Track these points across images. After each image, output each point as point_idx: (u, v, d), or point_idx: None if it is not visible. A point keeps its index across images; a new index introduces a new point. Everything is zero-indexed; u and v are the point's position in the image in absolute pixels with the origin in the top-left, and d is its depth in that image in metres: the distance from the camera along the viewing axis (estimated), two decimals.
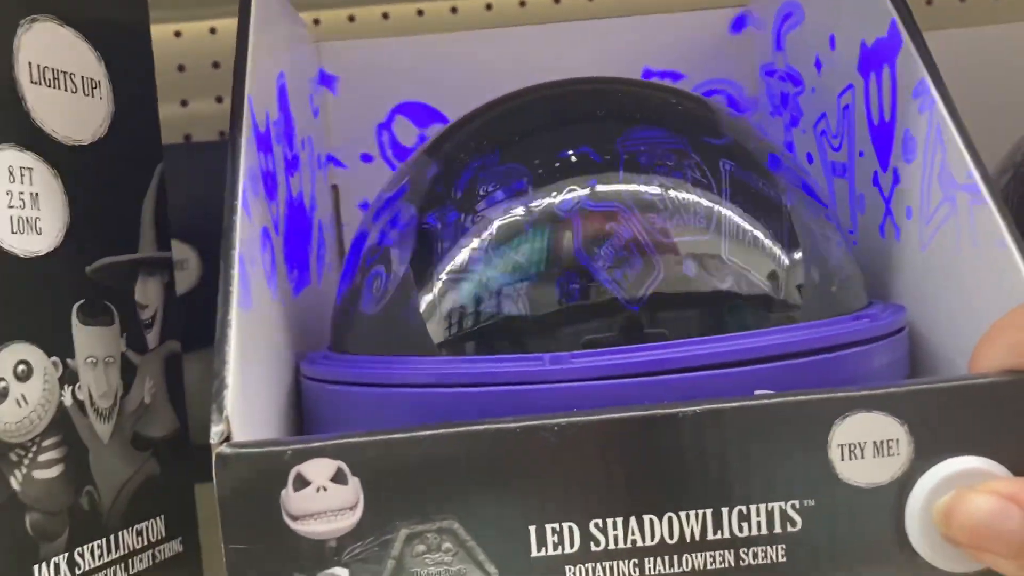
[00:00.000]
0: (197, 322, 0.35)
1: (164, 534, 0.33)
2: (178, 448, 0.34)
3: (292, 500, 0.22)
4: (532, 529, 0.22)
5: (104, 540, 0.30)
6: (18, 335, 0.28)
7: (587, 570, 0.22)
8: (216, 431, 0.23)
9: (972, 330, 0.25)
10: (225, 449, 0.23)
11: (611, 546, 0.22)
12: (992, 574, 0.21)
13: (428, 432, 0.22)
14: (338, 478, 0.22)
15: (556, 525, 0.22)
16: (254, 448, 0.23)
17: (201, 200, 0.44)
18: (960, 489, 0.21)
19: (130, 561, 0.31)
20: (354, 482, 0.22)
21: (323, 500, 0.22)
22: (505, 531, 0.22)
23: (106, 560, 0.30)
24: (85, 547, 0.29)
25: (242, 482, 0.22)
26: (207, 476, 0.23)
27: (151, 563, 0.32)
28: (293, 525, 0.22)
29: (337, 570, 0.22)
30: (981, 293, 0.28)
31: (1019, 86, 0.45)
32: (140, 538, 0.32)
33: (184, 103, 0.58)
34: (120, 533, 0.31)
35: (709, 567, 0.22)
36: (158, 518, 0.32)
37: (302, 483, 0.22)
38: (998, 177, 0.41)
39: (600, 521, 0.22)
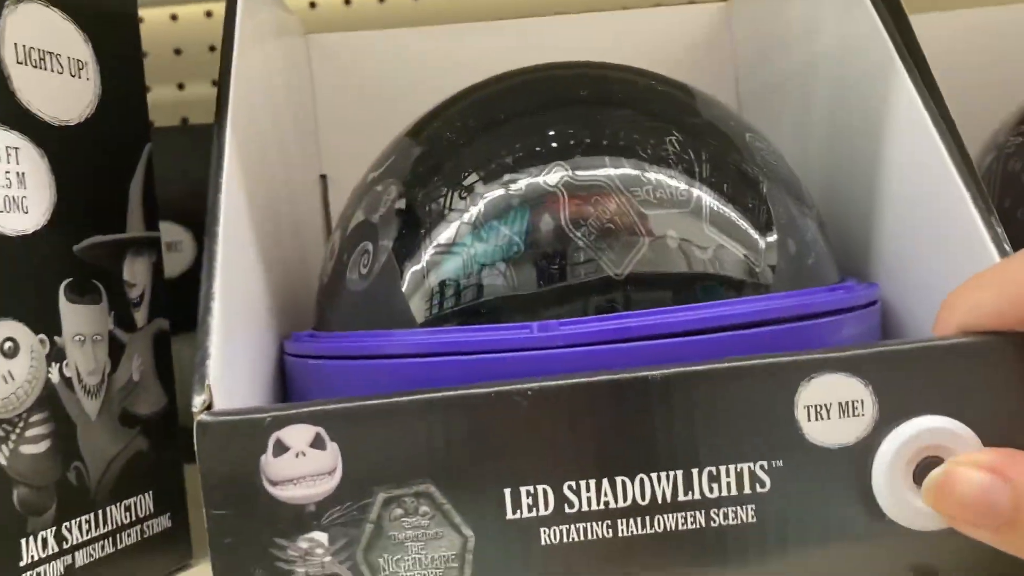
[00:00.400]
0: (191, 303, 0.36)
1: (152, 510, 0.33)
2: (166, 425, 0.34)
3: (272, 466, 0.23)
4: (507, 492, 0.22)
5: (92, 515, 0.30)
6: (5, 312, 0.28)
7: (561, 532, 0.22)
8: (198, 400, 0.23)
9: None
10: (205, 417, 0.23)
11: (584, 508, 0.22)
12: (951, 538, 0.22)
13: (404, 398, 0.23)
14: (317, 443, 0.23)
15: (530, 488, 0.22)
16: (234, 415, 0.23)
17: (196, 182, 0.45)
18: (949, 464, 0.21)
19: (118, 536, 0.31)
20: (332, 447, 0.23)
21: (302, 465, 0.23)
22: (480, 494, 0.22)
23: (94, 535, 0.30)
24: (73, 522, 0.30)
25: (222, 449, 0.23)
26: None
27: (139, 538, 0.32)
28: (273, 490, 0.23)
29: (316, 534, 0.23)
30: (952, 271, 0.28)
31: (1007, 68, 0.45)
32: (128, 513, 0.32)
33: (181, 86, 0.58)
34: (108, 508, 0.31)
35: (680, 528, 0.22)
36: (146, 494, 0.33)
37: (281, 449, 0.23)
38: (982, 158, 0.41)
39: (573, 483, 0.22)
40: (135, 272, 0.34)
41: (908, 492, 0.22)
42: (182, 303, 0.36)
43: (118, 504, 0.32)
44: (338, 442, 0.23)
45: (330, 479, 0.23)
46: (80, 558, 0.30)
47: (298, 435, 0.23)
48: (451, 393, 0.23)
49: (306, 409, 0.23)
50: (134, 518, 0.32)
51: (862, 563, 0.22)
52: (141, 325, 0.34)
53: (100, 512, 0.31)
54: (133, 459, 0.32)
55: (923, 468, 0.22)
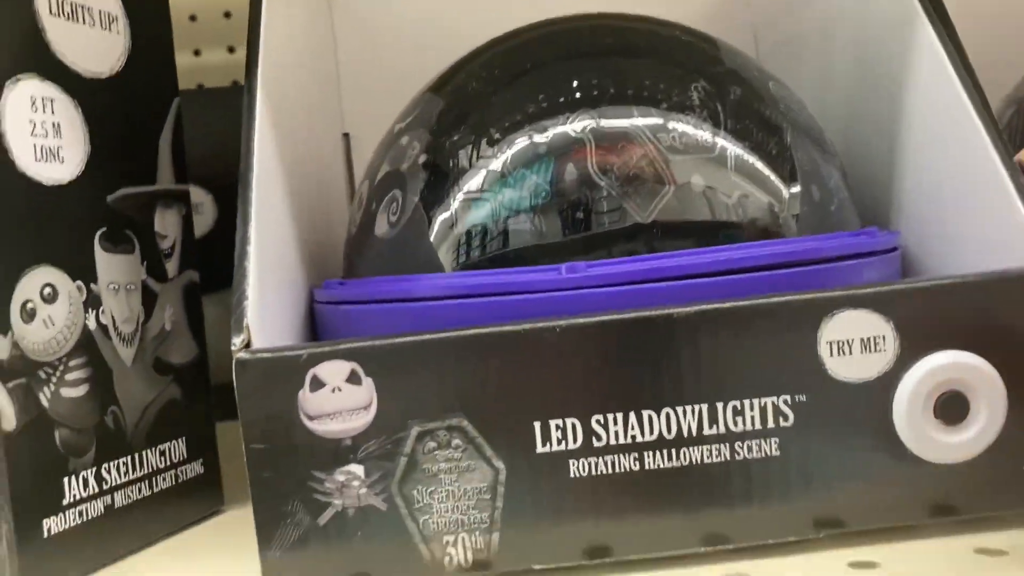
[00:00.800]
0: (213, 265, 0.37)
1: (186, 456, 0.34)
2: (198, 374, 0.35)
3: (309, 401, 0.23)
4: (537, 426, 0.23)
5: (129, 458, 0.31)
6: (44, 259, 0.29)
7: (589, 464, 0.23)
8: (237, 340, 0.24)
9: (964, 255, 0.26)
10: (244, 355, 0.24)
11: (612, 441, 0.23)
12: (970, 471, 0.22)
13: (437, 335, 0.23)
14: (352, 379, 0.23)
15: (559, 422, 0.23)
16: (272, 352, 0.24)
17: (215, 145, 0.45)
18: None
19: (154, 479, 0.32)
20: (368, 383, 0.23)
21: (338, 400, 0.23)
22: (511, 428, 0.23)
23: (132, 477, 0.31)
24: (111, 463, 0.31)
25: (260, 386, 0.24)
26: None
27: (174, 482, 0.33)
28: (310, 425, 0.23)
29: (353, 467, 0.24)
30: (974, 220, 0.28)
31: None
32: (163, 458, 0.33)
33: (197, 52, 0.59)
34: (144, 452, 0.32)
35: (706, 460, 0.23)
36: (180, 440, 0.34)
37: (318, 384, 0.23)
38: (1003, 111, 0.41)
39: (601, 417, 0.23)
40: (166, 224, 0.34)
41: (929, 425, 0.22)
42: (204, 264, 0.37)
43: (153, 449, 0.32)
44: (373, 378, 0.23)
45: (365, 413, 0.23)
46: (119, 499, 0.31)
47: (334, 370, 0.23)
48: (483, 330, 0.23)
49: (342, 346, 0.23)
50: (168, 463, 0.33)
51: (883, 494, 0.23)
52: (172, 276, 0.34)
53: (136, 456, 0.32)
54: (167, 406, 0.33)
55: (943, 402, 0.22)
